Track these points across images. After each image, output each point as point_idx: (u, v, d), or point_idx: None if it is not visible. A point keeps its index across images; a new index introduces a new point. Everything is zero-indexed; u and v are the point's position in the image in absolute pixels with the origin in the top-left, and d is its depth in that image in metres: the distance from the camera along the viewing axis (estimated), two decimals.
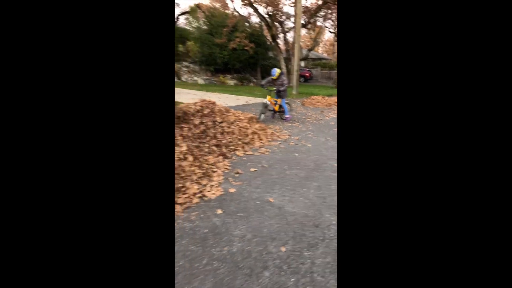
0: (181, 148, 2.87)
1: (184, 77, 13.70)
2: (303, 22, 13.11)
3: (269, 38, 15.04)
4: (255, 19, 16.85)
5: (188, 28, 17.14)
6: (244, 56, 12.90)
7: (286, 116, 5.88)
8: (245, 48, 12.43)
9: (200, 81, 13.50)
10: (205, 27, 13.71)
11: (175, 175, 2.51)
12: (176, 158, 2.72)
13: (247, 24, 13.98)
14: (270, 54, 15.45)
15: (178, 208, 2.21)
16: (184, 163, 2.74)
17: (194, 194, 2.42)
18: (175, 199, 2.29)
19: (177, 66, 13.87)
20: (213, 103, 4.27)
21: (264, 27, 14.84)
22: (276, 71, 5.62)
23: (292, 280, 1.50)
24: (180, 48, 14.16)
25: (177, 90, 10.01)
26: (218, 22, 13.06)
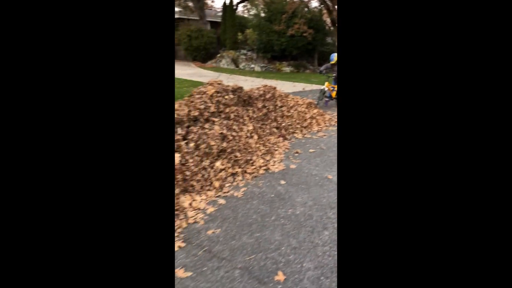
0: (248, 127, 3.23)
1: (241, 65, 14.24)
2: None
3: (328, 23, 14.50)
4: (315, 3, 16.36)
5: (247, 16, 17.57)
6: (301, 43, 12.77)
7: None
8: (304, 34, 12.28)
9: (257, 68, 13.87)
10: (264, 14, 13.90)
11: (244, 150, 2.88)
12: (244, 136, 3.09)
13: (306, 9, 13.72)
14: (329, 39, 14.94)
15: (247, 176, 2.58)
16: (250, 140, 3.10)
17: (260, 166, 2.76)
18: (245, 169, 2.66)
19: (235, 53, 14.45)
20: (274, 89, 4.54)
21: (324, 11, 14.34)
22: (334, 56, 5.59)
23: None
24: (239, 36, 14.68)
25: (235, 77, 10.55)
26: (277, 9, 13.10)
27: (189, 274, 1.45)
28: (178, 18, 17.32)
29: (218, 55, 15.03)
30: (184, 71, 11.54)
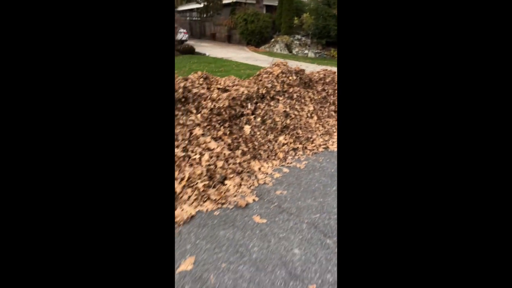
0: (309, 107, 3.39)
1: (295, 50, 14.10)
2: None
3: None
4: None
5: (304, 0, 17.12)
6: None
7: None
8: None
9: (311, 54, 13.62)
10: None
11: (304, 129, 3.06)
12: (304, 115, 3.26)
13: None
14: None
15: (307, 152, 2.77)
16: (310, 120, 3.26)
17: (320, 145, 2.92)
18: (305, 145, 2.85)
19: (289, 39, 14.34)
20: (334, 73, 4.56)
21: None
22: None
23: None
24: (295, 20, 14.47)
25: (289, 62, 10.59)
26: None
27: (264, 221, 1.72)
28: (236, 2, 17.62)
29: (272, 39, 15.07)
30: (239, 54, 11.90)
